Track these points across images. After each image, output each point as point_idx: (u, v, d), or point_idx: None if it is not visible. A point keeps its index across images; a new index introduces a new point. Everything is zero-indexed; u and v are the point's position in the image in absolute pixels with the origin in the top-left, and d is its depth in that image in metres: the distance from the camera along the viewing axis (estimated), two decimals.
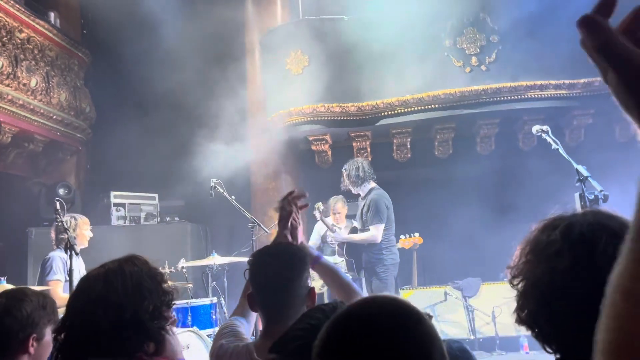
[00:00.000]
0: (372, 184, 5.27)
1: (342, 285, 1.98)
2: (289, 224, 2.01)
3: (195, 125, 7.06)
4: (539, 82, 6.48)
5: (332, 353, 0.86)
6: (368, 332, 0.85)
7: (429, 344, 0.86)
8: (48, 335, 1.80)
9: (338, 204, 6.61)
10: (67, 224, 4.39)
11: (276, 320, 1.73)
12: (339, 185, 7.26)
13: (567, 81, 6.50)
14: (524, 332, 5.94)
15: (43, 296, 1.85)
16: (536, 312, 1.06)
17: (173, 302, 1.61)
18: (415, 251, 7.54)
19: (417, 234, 6.38)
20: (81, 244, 4.45)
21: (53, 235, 4.58)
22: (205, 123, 6.86)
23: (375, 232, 5.01)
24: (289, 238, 2.01)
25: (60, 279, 4.34)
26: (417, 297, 6.67)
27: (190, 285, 5.01)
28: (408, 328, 0.86)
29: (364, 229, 5.20)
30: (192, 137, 6.70)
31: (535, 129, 3.33)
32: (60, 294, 4.25)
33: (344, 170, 5.35)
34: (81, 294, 1.50)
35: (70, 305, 1.53)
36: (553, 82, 6.47)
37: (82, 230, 4.55)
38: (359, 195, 5.67)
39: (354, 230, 5.50)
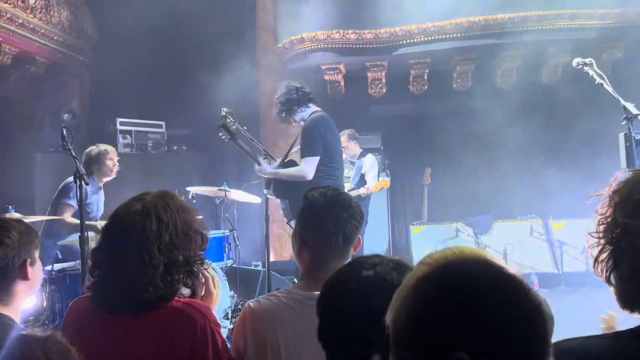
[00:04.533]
0: (313, 108, 4.06)
1: None
2: None
3: (203, 51, 6.72)
4: (569, 11, 6.10)
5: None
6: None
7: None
8: (37, 258, 1.79)
9: (341, 137, 6.33)
10: (91, 153, 4.44)
11: (325, 263, 1.68)
12: (351, 118, 7.03)
13: (599, 11, 6.11)
14: (535, 270, 5.91)
15: (20, 221, 1.79)
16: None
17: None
18: (426, 186, 7.42)
19: (387, 178, 6.11)
20: (106, 174, 4.47)
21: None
22: (213, 49, 6.52)
23: (305, 167, 3.82)
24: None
25: (73, 205, 4.27)
26: (428, 233, 6.61)
27: (201, 217, 4.90)
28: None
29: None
30: (200, 64, 6.38)
31: (576, 61, 3.06)
32: (69, 219, 4.25)
33: (275, 100, 4.15)
34: (137, 229, 1.51)
35: (124, 240, 1.52)
36: (585, 11, 6.08)
37: (105, 159, 4.46)
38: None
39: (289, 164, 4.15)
